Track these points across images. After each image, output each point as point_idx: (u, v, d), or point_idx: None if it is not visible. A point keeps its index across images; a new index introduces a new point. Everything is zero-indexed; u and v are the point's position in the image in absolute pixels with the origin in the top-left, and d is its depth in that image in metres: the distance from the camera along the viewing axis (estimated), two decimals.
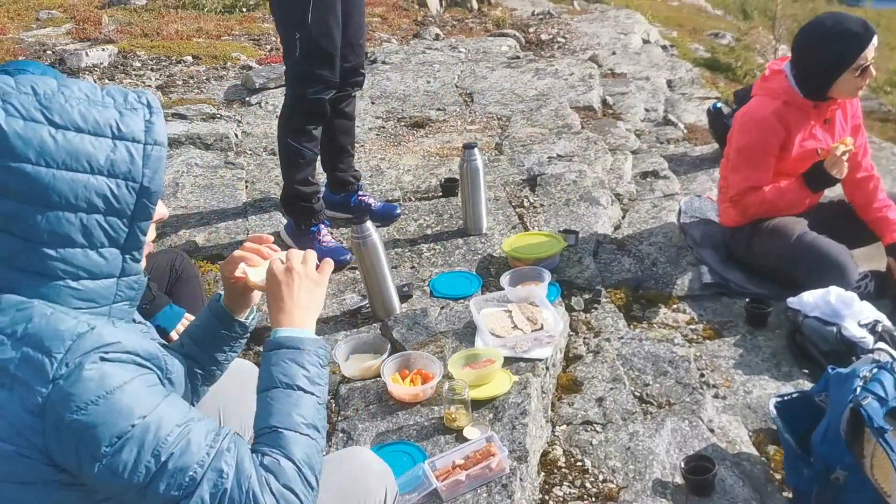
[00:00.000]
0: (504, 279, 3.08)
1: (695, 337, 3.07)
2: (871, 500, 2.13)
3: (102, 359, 1.24)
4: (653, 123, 5.31)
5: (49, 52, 6.67)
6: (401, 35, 7.75)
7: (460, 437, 2.37)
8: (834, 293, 2.89)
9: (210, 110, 5.00)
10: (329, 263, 1.59)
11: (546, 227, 3.62)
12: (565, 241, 3.45)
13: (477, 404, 2.48)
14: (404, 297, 3.03)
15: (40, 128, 1.24)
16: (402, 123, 4.94)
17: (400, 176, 4.12)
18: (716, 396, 2.77)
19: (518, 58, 6.45)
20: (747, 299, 3.17)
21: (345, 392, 2.59)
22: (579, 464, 2.43)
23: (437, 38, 7.50)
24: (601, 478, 2.37)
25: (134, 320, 1.53)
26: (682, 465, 2.31)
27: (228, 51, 6.65)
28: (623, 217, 3.89)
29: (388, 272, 2.86)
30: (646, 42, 8.20)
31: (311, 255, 1.55)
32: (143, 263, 1.40)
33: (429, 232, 3.59)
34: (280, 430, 1.38)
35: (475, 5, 9.91)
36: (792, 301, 2.97)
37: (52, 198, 1.24)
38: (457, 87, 5.58)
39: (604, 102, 5.54)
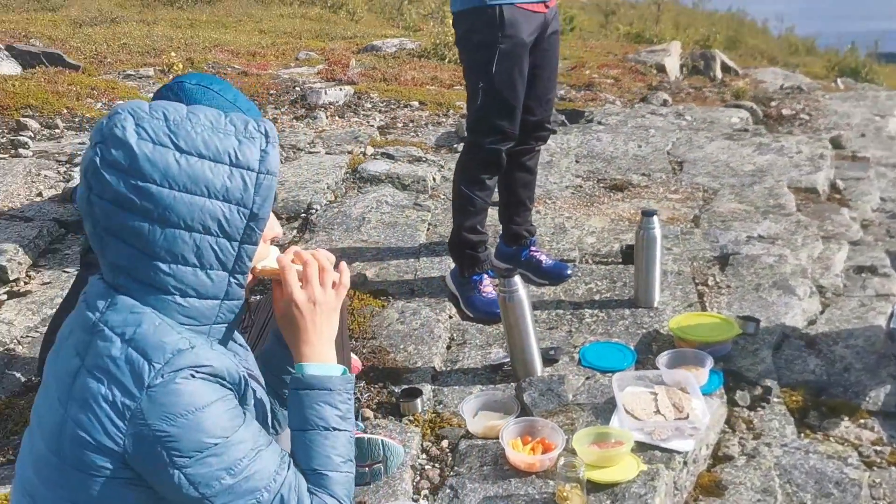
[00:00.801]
0: (661, 359, 2.86)
1: (878, 460, 2.65)
2: None
3: (193, 376, 1.32)
4: (887, 215, 4.74)
5: (298, 87, 7.30)
6: (628, 98, 7.62)
7: None
8: None
9: (418, 153, 5.18)
10: (345, 285, 1.54)
11: (726, 311, 3.33)
12: (742, 329, 3.15)
13: (597, 487, 2.30)
14: (549, 361, 2.90)
15: (167, 152, 1.32)
16: (602, 185, 4.82)
17: (583, 237, 4.00)
18: None
19: (746, 130, 6.08)
20: None
21: (464, 448, 2.51)
22: None
23: (664, 103, 7.28)
24: None
25: (234, 340, 1.58)
26: None
27: (454, 99, 6.88)
28: (821, 313, 3.48)
29: (532, 331, 2.76)
30: None
31: (330, 276, 1.51)
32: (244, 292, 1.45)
33: (597, 297, 3.44)
34: (322, 472, 1.42)
35: (719, 75, 9.54)
36: None
37: (171, 217, 1.33)
38: (668, 153, 5.36)
39: (832, 186, 5.05)
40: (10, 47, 7.32)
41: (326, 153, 5.19)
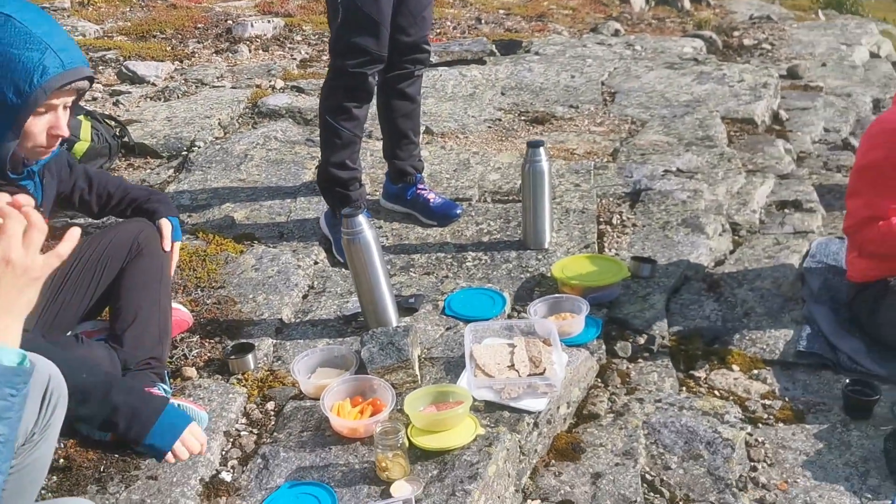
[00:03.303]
0: (532, 307, 2.57)
1: (764, 416, 2.37)
2: None
3: None
4: (828, 146, 4.41)
5: (230, 21, 6.84)
6: (579, 28, 7.20)
7: (387, 493, 1.92)
8: None
9: None
10: (60, 255, 1.21)
11: (624, 253, 3.02)
12: (635, 271, 2.85)
13: (425, 455, 2.01)
14: (408, 311, 2.60)
15: None
16: (523, 118, 4.47)
17: (486, 173, 3.66)
18: (760, 501, 2.09)
19: (695, 60, 5.69)
20: (847, 380, 2.41)
21: (290, 410, 2.22)
22: None
23: (615, 34, 6.86)
24: None
25: None
26: None
27: None
28: (731, 252, 3.18)
29: (383, 277, 2.45)
30: (874, 56, 7.04)
31: (38, 236, 1.18)
32: None
33: (486, 239, 3.12)
34: None
35: (686, 5, 9.07)
36: None
37: None
38: (602, 84, 4.99)
39: (774, 117, 4.70)
40: None
41: (232, 87, 4.82)
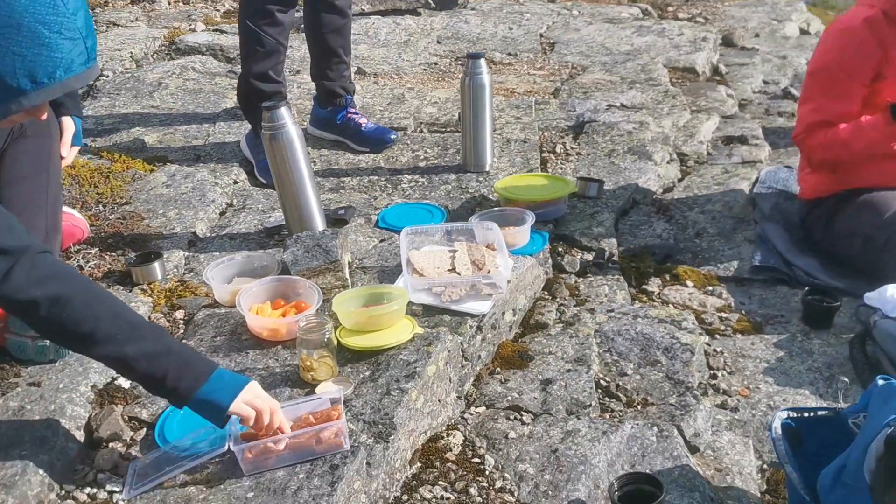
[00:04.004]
0: (475, 217, 2.35)
1: (722, 327, 2.21)
2: None
3: None
4: (768, 96, 4.33)
5: None
6: None
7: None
8: None
9: None
10: None
11: (569, 177, 2.84)
12: (583, 191, 2.68)
13: (357, 356, 1.78)
14: (337, 222, 2.37)
15: None
16: (460, 62, 4.25)
17: (422, 107, 3.44)
18: (721, 406, 1.92)
19: (634, 17, 5.57)
20: (807, 288, 2.27)
21: (202, 318, 1.96)
22: (476, 461, 1.68)
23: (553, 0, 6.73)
24: (498, 484, 1.61)
25: None
26: (615, 487, 1.51)
27: None
28: (680, 180, 3.04)
29: (309, 180, 2.20)
30: (804, 32, 7.08)
31: None
32: None
33: (422, 164, 2.90)
34: None
35: None
36: (870, 296, 2.08)
37: None
38: (541, 35, 4.82)
39: (714, 70, 4.61)
40: None
41: (148, 28, 4.48)
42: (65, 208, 2.11)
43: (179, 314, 1.98)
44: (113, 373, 1.75)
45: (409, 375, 1.71)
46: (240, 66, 2.84)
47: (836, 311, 2.19)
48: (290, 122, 2.14)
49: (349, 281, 2.05)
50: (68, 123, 2.08)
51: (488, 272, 2.00)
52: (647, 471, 1.61)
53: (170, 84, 3.44)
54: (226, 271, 2.07)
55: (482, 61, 2.68)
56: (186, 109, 3.23)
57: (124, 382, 1.73)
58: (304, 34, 2.98)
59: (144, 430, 1.63)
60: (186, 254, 2.25)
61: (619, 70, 4.09)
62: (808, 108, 2.34)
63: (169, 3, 5.65)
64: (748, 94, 4.23)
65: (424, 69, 4.12)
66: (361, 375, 1.73)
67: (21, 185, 1.90)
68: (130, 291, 2.05)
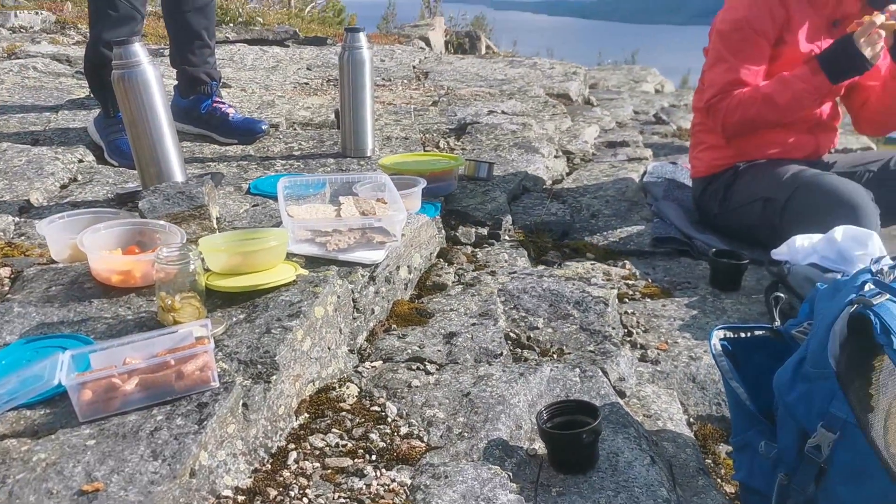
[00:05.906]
0: (359, 187, 2.12)
1: (630, 292, 2.06)
2: (880, 490, 1.08)
3: None
4: (640, 122, 4.39)
5: None
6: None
7: None
8: (841, 231, 1.90)
9: None
10: None
11: None
12: (473, 173, 2.51)
13: (230, 299, 1.48)
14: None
15: None
16: (332, 83, 4.08)
17: (295, 111, 3.22)
18: (642, 359, 1.74)
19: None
20: (714, 249, 2.16)
21: (32, 273, 1.61)
22: (375, 409, 1.40)
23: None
24: (404, 430, 1.34)
25: None
26: (544, 417, 1.28)
27: None
28: (568, 174, 2.93)
29: (167, 126, 1.92)
30: (658, 92, 7.42)
31: None
32: None
33: (297, 153, 2.65)
34: None
35: (482, 51, 9.27)
36: (778, 251, 1.98)
37: None
38: (414, 67, 4.74)
39: (586, 101, 4.65)
40: None
41: None
42: None
43: (5, 272, 1.62)
44: None
45: (292, 315, 1.43)
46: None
47: (745, 270, 2.08)
48: (146, 60, 1.86)
49: (218, 231, 1.75)
50: None
51: (379, 219, 1.77)
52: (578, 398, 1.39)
53: (6, 80, 3.06)
54: (68, 228, 1.73)
55: (362, 35, 2.50)
56: (25, 102, 2.86)
57: None
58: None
59: None
60: (17, 219, 1.89)
61: (497, 87, 4.03)
62: (721, 68, 2.26)
63: (13, 31, 5.24)
64: (622, 118, 4.27)
65: (295, 87, 3.91)
66: (235, 318, 1.43)
67: None
68: None
